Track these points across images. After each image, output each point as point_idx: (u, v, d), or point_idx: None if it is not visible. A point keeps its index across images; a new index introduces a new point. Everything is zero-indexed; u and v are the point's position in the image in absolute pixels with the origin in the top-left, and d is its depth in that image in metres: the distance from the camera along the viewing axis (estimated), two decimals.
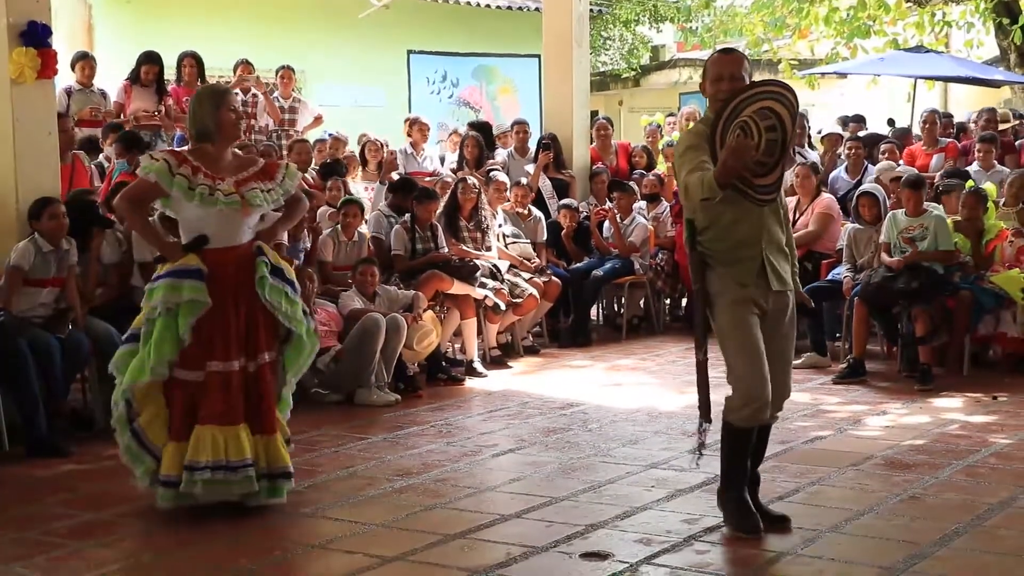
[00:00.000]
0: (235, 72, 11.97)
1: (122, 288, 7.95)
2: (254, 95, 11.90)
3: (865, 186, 10.02)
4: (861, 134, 12.77)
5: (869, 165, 11.31)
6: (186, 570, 4.91)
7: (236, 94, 5.84)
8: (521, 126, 12.51)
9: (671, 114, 15.81)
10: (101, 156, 9.93)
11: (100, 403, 7.67)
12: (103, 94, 10.78)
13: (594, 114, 14.16)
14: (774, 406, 5.21)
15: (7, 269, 7.20)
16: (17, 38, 7.48)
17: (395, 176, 11.19)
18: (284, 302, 5.69)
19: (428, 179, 11.16)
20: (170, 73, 11.45)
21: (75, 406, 7.81)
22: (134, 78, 10.91)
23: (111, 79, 11.27)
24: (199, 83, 11.32)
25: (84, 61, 10.71)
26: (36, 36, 7.50)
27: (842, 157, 11.71)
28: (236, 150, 5.97)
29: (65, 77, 9.70)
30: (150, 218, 6.21)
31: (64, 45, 8.36)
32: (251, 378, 5.63)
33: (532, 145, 12.28)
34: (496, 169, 11.08)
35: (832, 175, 11.46)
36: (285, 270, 5.81)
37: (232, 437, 5.49)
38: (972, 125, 13.26)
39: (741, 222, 5.01)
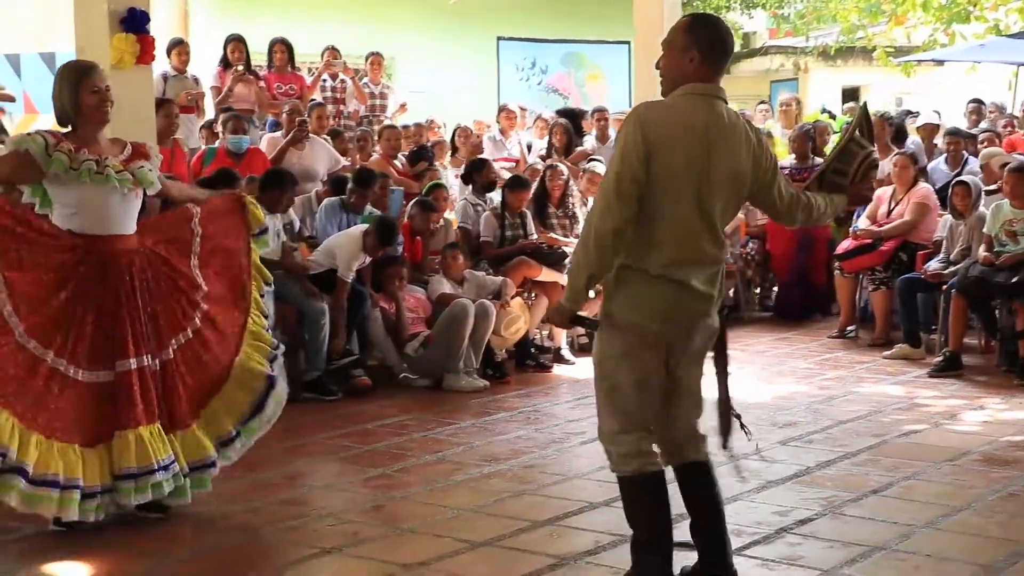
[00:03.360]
0: (322, 58, 12.06)
1: None
2: (342, 81, 11.99)
3: (963, 176, 9.81)
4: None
5: (970, 157, 11.06)
6: (280, 549, 4.96)
7: (102, 72, 5.22)
8: (601, 113, 12.43)
9: (762, 102, 15.64)
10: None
11: None
12: (196, 80, 10.92)
13: None
14: None
15: None
16: (117, 24, 7.60)
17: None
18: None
19: (509, 165, 11.17)
20: (261, 59, 11.57)
21: None
22: (225, 63, 11.04)
23: (205, 66, 11.41)
24: (289, 69, 11.44)
25: (179, 47, 10.86)
26: (135, 22, 7.61)
27: (939, 147, 11.48)
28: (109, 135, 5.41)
29: (161, 64, 9.83)
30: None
31: (160, 32, 8.46)
32: (156, 376, 5.22)
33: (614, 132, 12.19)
34: (597, 160, 11.01)
35: (931, 166, 11.23)
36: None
37: (156, 436, 5.13)
38: None
39: None
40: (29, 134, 5.13)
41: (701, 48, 4.06)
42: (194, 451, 5.31)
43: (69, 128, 5.16)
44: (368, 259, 8.38)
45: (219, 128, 9.90)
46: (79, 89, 5.10)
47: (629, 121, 4.00)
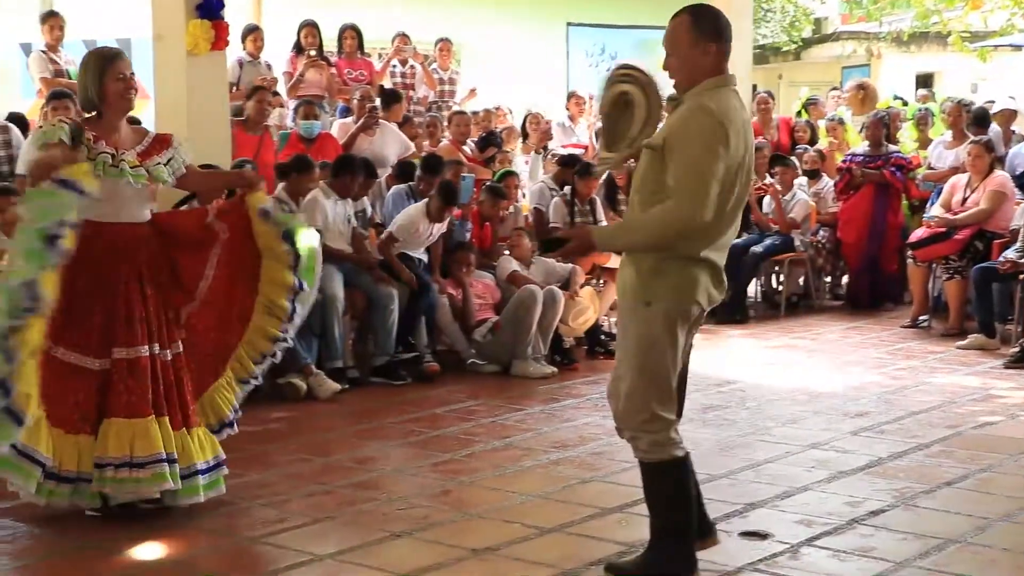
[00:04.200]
0: (392, 43, 12.11)
1: None
2: (412, 66, 12.04)
3: None
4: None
5: None
6: (351, 533, 5.01)
7: (127, 61, 5.17)
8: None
9: (834, 88, 15.45)
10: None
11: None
12: (268, 66, 11.01)
13: (753, 88, 13.90)
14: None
15: None
16: (193, 11, 7.70)
17: (552, 149, 11.21)
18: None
19: (578, 152, 11.13)
20: (331, 45, 11.64)
21: None
22: (298, 48, 11.12)
23: (277, 52, 11.50)
24: (359, 55, 11.50)
25: (254, 33, 10.95)
26: (211, 9, 7.71)
27: (1017, 134, 11.28)
28: (131, 124, 5.45)
29: (234, 50, 9.92)
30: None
31: (235, 18, 8.54)
32: (165, 367, 5.16)
33: None
34: None
35: (1011, 152, 11.03)
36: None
37: (140, 431, 4.99)
38: None
39: None
40: (54, 124, 5.14)
41: (713, 39, 4.14)
42: (208, 449, 5.25)
43: (93, 114, 5.18)
44: (435, 229, 8.40)
45: (290, 113, 9.97)
46: (104, 76, 5.10)
47: (709, 116, 4.03)
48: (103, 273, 5.06)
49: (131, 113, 5.41)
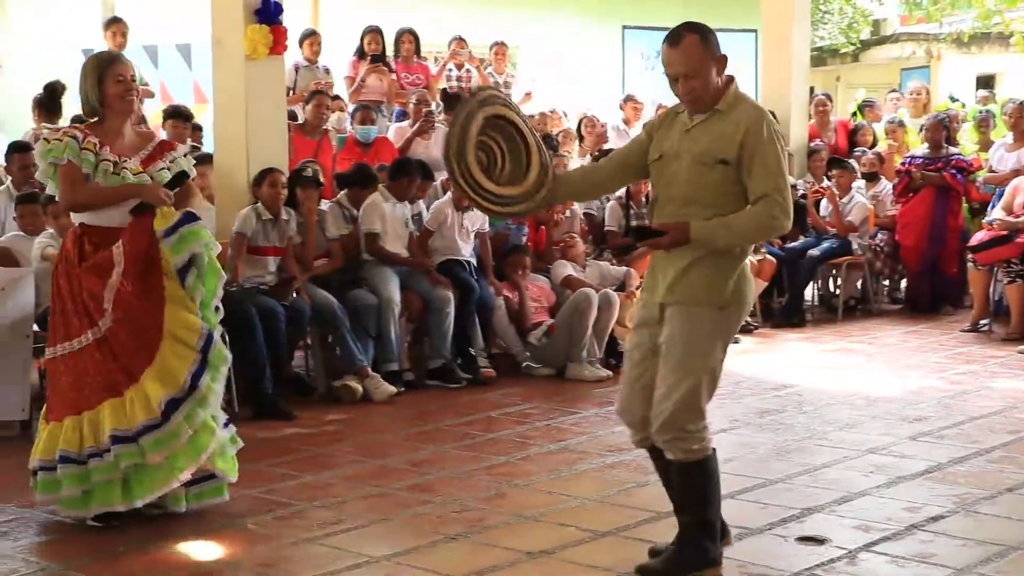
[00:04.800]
0: (449, 47, 12.14)
1: (346, 261, 8.17)
2: (468, 70, 12.06)
3: None
4: None
5: None
6: (406, 535, 5.02)
7: (127, 64, 5.17)
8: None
9: (893, 90, 15.30)
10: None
11: (321, 369, 7.96)
12: (327, 71, 11.08)
13: (811, 91, 13.80)
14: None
15: (232, 235, 7.54)
16: (252, 15, 7.78)
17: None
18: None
19: None
20: (388, 49, 11.69)
21: (297, 372, 8.10)
22: (360, 53, 11.19)
23: (335, 56, 11.58)
24: (416, 59, 11.55)
25: (311, 38, 11.03)
26: (269, 13, 7.80)
27: None
28: (138, 126, 5.40)
29: (292, 54, 10.01)
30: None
31: (292, 22, 8.63)
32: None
33: None
34: None
35: None
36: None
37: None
38: None
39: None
40: (60, 140, 5.05)
41: (718, 50, 4.22)
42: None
43: (95, 119, 5.15)
44: (467, 221, 8.45)
45: (348, 118, 10.04)
46: (104, 79, 5.08)
47: (772, 128, 4.18)
48: (95, 262, 5.06)
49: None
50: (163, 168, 5.20)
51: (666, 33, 4.26)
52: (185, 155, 5.38)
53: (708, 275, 4.24)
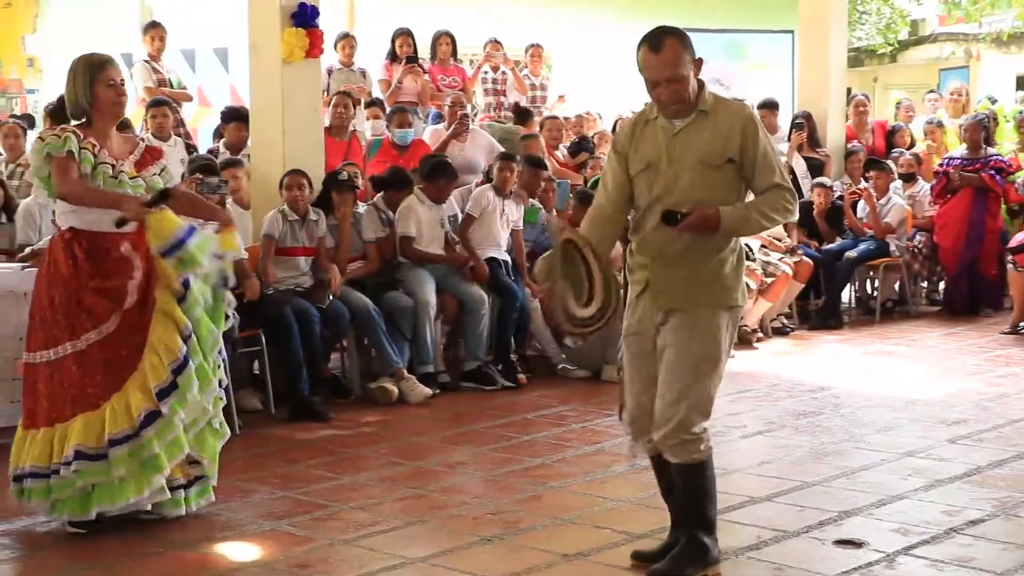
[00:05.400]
0: (484, 49, 12.16)
1: (382, 264, 8.20)
2: (503, 72, 12.07)
3: None
4: None
5: None
6: (442, 536, 5.03)
7: (118, 67, 5.10)
8: (767, 111, 12.18)
9: (931, 91, 15.18)
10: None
11: (357, 371, 7.99)
12: (363, 73, 11.12)
13: (847, 91, 13.72)
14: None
15: (262, 237, 7.61)
16: (288, 19, 7.82)
17: None
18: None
19: None
20: (425, 52, 11.72)
21: (334, 373, 8.13)
22: (392, 56, 11.22)
23: (371, 58, 11.62)
24: (452, 61, 11.57)
25: (345, 40, 11.07)
26: (305, 17, 7.84)
27: None
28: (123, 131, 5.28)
29: (328, 57, 10.06)
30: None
31: (328, 26, 8.67)
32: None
33: (784, 124, 11.99)
34: None
35: None
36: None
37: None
38: None
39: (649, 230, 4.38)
40: (59, 136, 4.99)
41: (695, 56, 4.26)
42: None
43: (83, 121, 5.07)
44: (508, 208, 8.49)
45: (384, 121, 10.08)
46: (95, 82, 5.01)
47: (760, 125, 4.31)
48: (105, 287, 4.98)
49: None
50: (155, 174, 5.16)
51: (640, 37, 4.27)
52: (163, 170, 5.26)
53: (719, 277, 4.27)
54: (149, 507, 5.08)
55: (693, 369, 4.24)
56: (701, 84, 4.30)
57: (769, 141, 4.32)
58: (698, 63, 4.26)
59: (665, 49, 4.17)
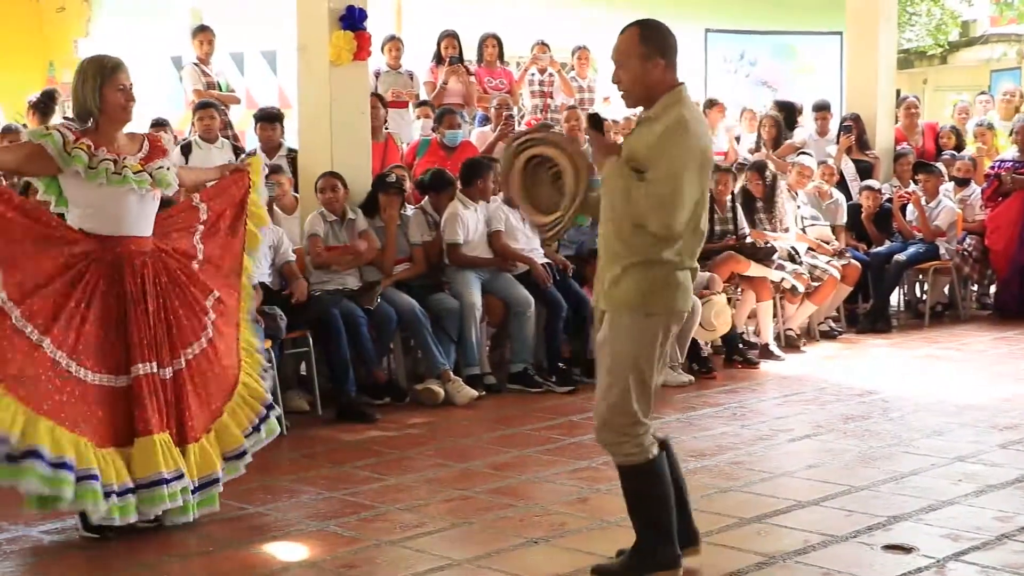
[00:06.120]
0: (531, 52, 12.16)
1: (428, 267, 8.22)
2: (550, 74, 12.07)
3: None
4: None
5: None
6: (488, 538, 5.04)
7: (126, 72, 5.01)
8: (822, 113, 12.12)
9: (982, 92, 15.02)
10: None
11: (404, 373, 8.02)
12: (411, 76, 11.16)
13: (897, 93, 13.61)
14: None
15: (306, 237, 7.75)
16: (337, 22, 7.87)
17: None
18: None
19: (718, 159, 11.00)
20: (472, 53, 11.74)
21: (381, 375, 8.16)
22: (438, 58, 11.25)
23: (419, 61, 11.66)
24: (499, 64, 11.58)
25: (392, 43, 11.10)
26: (353, 20, 7.88)
27: None
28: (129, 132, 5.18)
29: (376, 60, 10.10)
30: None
31: (376, 28, 8.70)
32: (165, 385, 5.03)
33: (833, 126, 11.92)
34: (807, 153, 10.79)
35: None
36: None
37: (165, 446, 4.97)
38: None
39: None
40: (48, 129, 4.96)
41: (662, 52, 4.25)
42: (204, 465, 5.12)
43: (89, 124, 4.98)
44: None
45: (433, 122, 10.11)
46: (105, 86, 4.92)
47: (682, 129, 4.13)
48: (100, 289, 4.91)
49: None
50: (162, 166, 5.07)
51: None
52: (168, 168, 5.18)
53: (638, 282, 4.24)
54: (152, 516, 5.01)
55: (610, 370, 4.29)
56: (670, 85, 4.24)
57: (678, 162, 4.12)
58: (661, 66, 4.22)
59: (623, 34, 4.29)
